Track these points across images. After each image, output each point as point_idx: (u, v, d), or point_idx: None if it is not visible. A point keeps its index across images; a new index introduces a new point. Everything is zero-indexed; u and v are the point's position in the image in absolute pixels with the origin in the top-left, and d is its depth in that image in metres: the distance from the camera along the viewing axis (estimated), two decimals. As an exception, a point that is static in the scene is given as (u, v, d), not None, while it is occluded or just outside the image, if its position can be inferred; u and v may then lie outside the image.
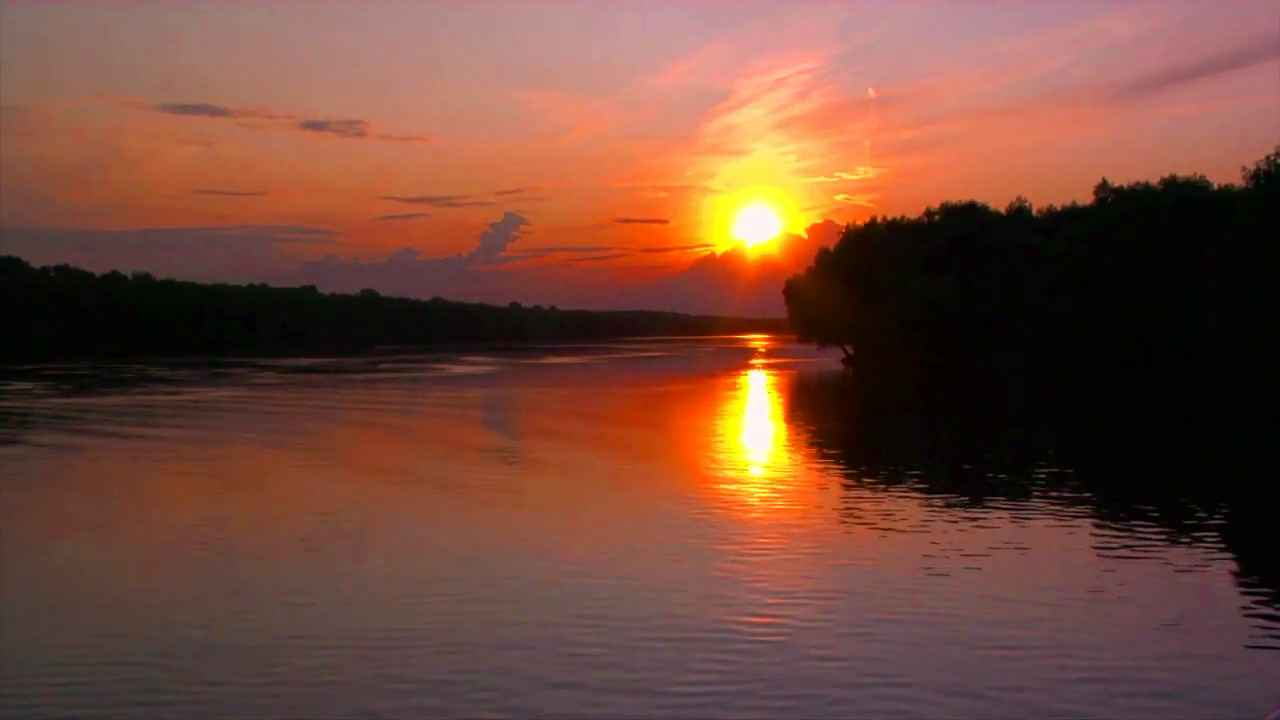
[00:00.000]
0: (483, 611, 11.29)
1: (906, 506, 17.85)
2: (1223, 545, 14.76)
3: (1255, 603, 11.84)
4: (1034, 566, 13.43)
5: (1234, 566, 13.75)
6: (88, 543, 15.74)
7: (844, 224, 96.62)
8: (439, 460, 25.82)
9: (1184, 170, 70.78)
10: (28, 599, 12.26)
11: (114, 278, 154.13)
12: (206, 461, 25.49)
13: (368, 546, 15.01)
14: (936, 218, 79.20)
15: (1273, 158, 50.39)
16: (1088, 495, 19.21)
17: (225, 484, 21.50)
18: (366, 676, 9.22)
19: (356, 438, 32.35)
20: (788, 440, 31.16)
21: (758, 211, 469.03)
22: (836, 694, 8.73)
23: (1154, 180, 63.15)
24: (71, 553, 14.86)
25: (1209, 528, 15.77)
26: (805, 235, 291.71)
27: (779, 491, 20.04)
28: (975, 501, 18.33)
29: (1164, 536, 14.99)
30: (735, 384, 62.24)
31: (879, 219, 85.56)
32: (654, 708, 8.47)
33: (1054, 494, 19.09)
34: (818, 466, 24.75)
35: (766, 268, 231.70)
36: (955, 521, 16.28)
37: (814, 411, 45.10)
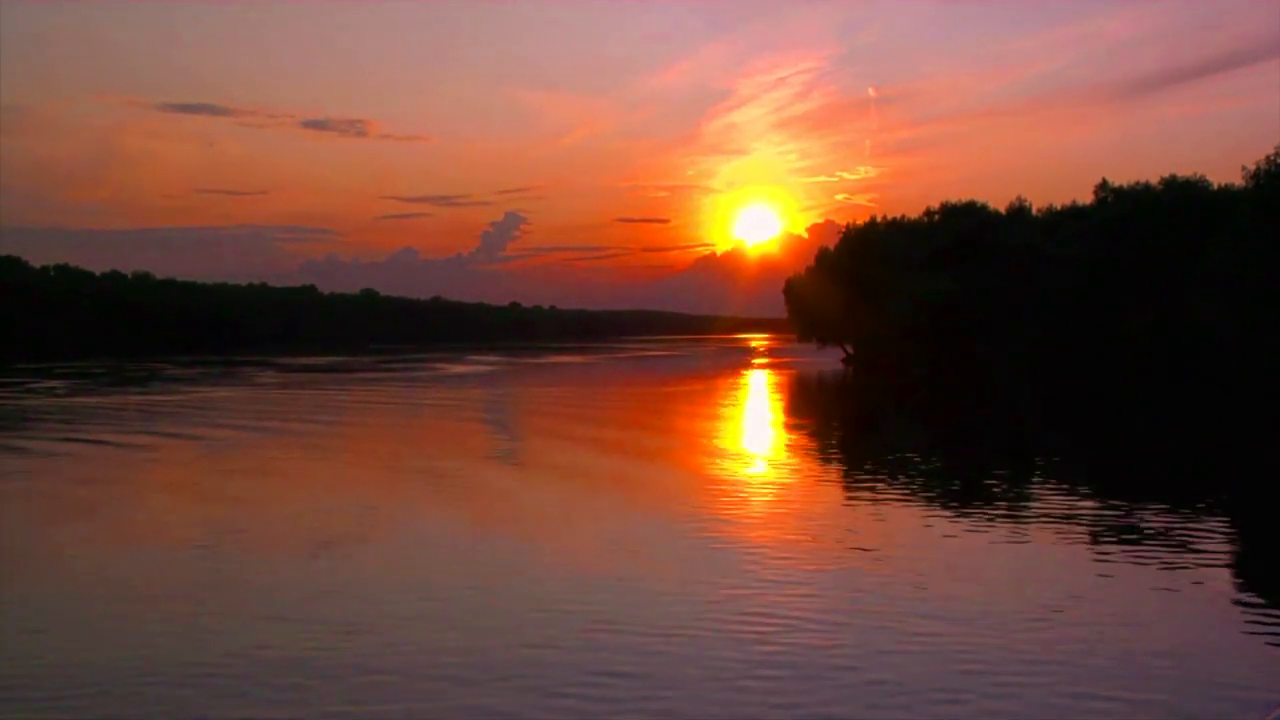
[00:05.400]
0: (484, 610, 11.42)
1: (906, 507, 17.93)
2: (1222, 545, 14.83)
3: (1255, 603, 11.92)
4: (1029, 567, 13.48)
5: (1234, 566, 13.83)
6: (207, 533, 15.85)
7: (844, 223, 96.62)
8: (453, 460, 25.85)
9: (1184, 170, 70.56)
10: (86, 593, 12.47)
11: (114, 278, 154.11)
12: (247, 459, 25.64)
13: (391, 545, 15.11)
14: (936, 217, 79.15)
15: (1273, 158, 50.40)
16: (1086, 496, 19.25)
17: (281, 481, 21.64)
18: (372, 670, 9.33)
19: (371, 437, 32.50)
20: (788, 441, 31.21)
21: (758, 211, 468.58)
22: (828, 695, 8.83)
23: (1154, 180, 63.17)
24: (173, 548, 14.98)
25: (1208, 528, 15.83)
26: (805, 235, 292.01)
27: (779, 492, 20.14)
28: (975, 506, 18.41)
29: (1163, 537, 15.06)
30: (736, 384, 62.32)
31: (879, 219, 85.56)
32: (655, 707, 8.57)
33: (1053, 495, 19.16)
34: (817, 468, 24.82)
35: (766, 267, 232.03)
36: (955, 523, 16.36)
37: (814, 412, 45.18)
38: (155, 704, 8.72)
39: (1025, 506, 18.03)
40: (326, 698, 8.82)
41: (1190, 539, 14.94)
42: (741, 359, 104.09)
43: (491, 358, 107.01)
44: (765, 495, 19.75)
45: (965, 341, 68.12)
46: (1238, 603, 11.97)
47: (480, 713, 8.51)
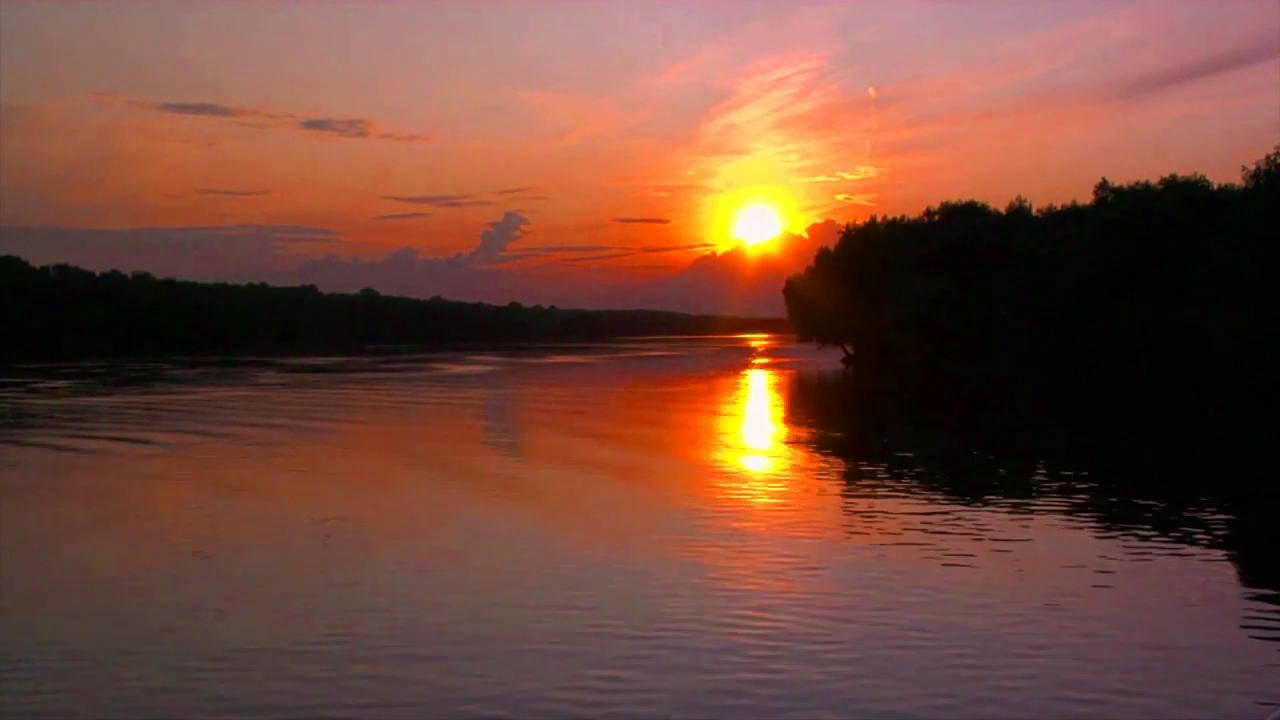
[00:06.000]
0: (490, 604, 11.53)
1: (907, 504, 18.00)
2: (1221, 545, 14.89)
3: (1257, 600, 11.99)
4: (1030, 566, 13.52)
5: (1233, 566, 13.90)
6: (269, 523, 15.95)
7: (844, 223, 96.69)
8: (457, 459, 25.96)
9: (1184, 170, 70.93)
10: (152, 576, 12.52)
11: (114, 278, 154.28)
12: (284, 457, 25.76)
13: (397, 540, 15.22)
14: (936, 218, 79.38)
15: (1273, 158, 50.53)
16: (1087, 496, 19.30)
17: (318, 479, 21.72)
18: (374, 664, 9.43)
19: (380, 435, 32.63)
20: (790, 439, 31.28)
21: (758, 211, 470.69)
22: (824, 693, 8.92)
23: (1154, 180, 63.34)
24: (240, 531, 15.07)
25: (1208, 528, 15.90)
26: (805, 235, 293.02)
27: (782, 489, 20.22)
28: (975, 502, 18.48)
29: (1162, 537, 15.14)
30: (737, 384, 62.37)
31: (879, 219, 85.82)
32: (656, 703, 8.67)
33: (1052, 495, 19.22)
34: (818, 465, 24.89)
35: (766, 267, 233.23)
36: (956, 520, 16.44)
37: (815, 411, 45.26)
38: (160, 697, 8.83)
39: (1026, 503, 18.10)
40: (329, 690, 8.92)
41: (1191, 536, 15.01)
42: (741, 359, 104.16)
43: (491, 358, 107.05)
44: (768, 492, 19.83)
45: (965, 341, 68.28)
46: (1239, 599, 12.03)
47: (487, 705, 8.59)
